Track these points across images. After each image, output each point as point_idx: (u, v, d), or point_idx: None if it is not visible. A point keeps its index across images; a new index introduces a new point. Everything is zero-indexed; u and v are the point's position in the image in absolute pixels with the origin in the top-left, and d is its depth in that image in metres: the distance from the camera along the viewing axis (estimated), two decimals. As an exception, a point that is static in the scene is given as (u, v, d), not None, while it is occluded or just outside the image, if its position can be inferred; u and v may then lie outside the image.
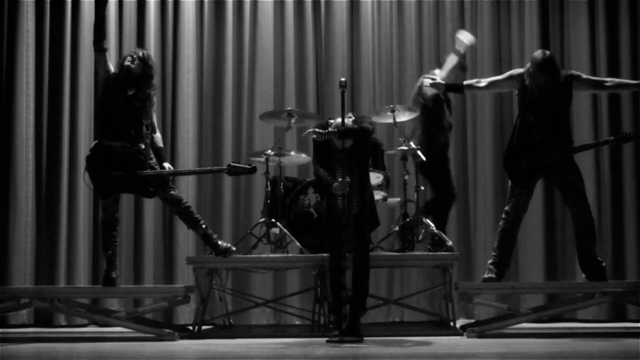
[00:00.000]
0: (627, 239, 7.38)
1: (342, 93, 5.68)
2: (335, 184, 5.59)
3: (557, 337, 5.72)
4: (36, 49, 7.64)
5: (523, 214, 6.08)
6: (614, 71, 7.49)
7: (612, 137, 6.17)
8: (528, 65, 5.99)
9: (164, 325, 6.48)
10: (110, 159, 5.89)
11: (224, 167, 6.04)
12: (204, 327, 6.37)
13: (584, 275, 6.04)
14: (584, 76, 6.12)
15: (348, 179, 5.57)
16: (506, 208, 6.06)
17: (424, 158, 6.80)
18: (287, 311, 7.09)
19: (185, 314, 7.37)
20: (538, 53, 6.02)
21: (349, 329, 5.44)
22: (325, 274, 5.97)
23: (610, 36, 7.60)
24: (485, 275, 6.04)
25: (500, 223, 6.07)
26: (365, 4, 7.91)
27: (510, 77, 6.13)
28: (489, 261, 6.07)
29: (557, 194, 6.79)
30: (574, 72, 6.17)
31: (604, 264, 6.01)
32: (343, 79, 5.74)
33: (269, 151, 6.74)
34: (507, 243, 6.04)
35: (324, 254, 5.98)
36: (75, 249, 7.46)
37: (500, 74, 7.66)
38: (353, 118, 5.81)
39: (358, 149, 5.67)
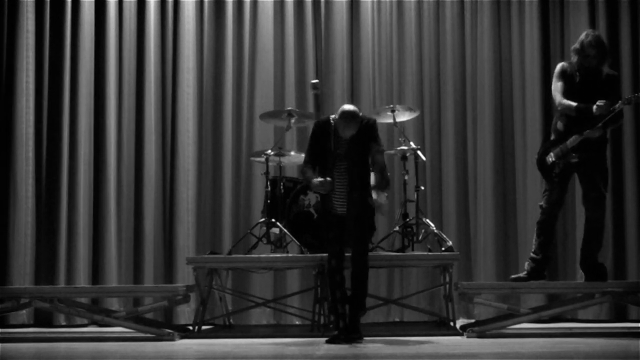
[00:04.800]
0: (627, 239, 7.37)
1: (316, 96, 5.59)
2: (315, 180, 5.47)
3: (557, 337, 5.71)
4: (36, 49, 7.64)
5: (557, 208, 5.96)
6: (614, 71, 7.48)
7: (617, 105, 5.80)
8: (575, 46, 5.93)
9: (164, 325, 6.48)
10: None
11: None
12: (204, 327, 6.38)
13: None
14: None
15: (329, 179, 5.47)
16: (540, 202, 6.02)
17: (424, 158, 6.80)
18: (287, 311, 7.09)
19: (185, 314, 7.36)
20: (588, 31, 6.01)
21: (349, 329, 5.44)
22: (325, 274, 5.96)
23: (611, 36, 7.57)
24: (515, 276, 6.05)
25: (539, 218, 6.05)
26: (365, 4, 7.90)
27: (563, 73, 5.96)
28: (529, 255, 6.05)
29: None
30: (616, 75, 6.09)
31: (605, 265, 6.01)
32: (315, 80, 5.61)
33: (269, 151, 6.74)
34: (542, 237, 5.97)
35: (324, 254, 5.97)
36: (75, 249, 7.46)
37: (500, 74, 7.73)
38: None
39: (360, 143, 5.56)
